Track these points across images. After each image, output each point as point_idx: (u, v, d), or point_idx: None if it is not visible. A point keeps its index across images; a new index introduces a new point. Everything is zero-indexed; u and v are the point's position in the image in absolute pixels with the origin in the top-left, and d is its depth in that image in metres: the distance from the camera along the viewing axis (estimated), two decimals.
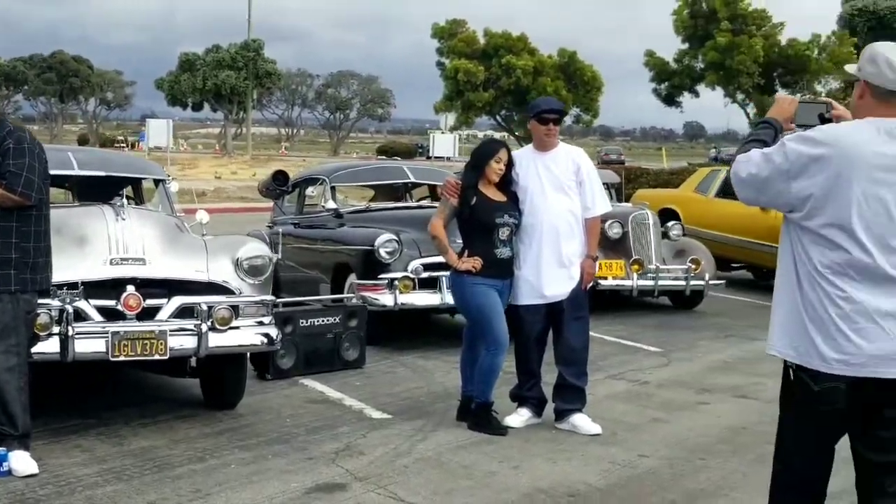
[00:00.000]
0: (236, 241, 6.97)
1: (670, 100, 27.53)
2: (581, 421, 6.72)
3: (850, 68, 3.77)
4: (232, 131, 69.28)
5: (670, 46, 27.57)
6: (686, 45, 26.09)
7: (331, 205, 10.50)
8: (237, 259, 6.65)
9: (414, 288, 9.25)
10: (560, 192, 6.69)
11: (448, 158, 50.27)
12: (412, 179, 11.11)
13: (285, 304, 8.57)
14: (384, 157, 76.16)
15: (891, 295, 3.44)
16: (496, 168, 6.63)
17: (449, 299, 9.17)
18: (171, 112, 77.86)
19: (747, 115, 25.84)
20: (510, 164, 6.70)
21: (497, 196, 6.67)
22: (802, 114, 3.83)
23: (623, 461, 6.09)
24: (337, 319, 8.46)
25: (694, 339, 10.61)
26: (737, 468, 6.05)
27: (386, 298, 9.14)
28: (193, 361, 6.82)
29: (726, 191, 15.46)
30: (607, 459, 6.11)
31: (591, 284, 6.83)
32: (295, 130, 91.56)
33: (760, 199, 3.68)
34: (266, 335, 6.63)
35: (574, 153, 6.86)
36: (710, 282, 12.23)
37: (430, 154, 51.17)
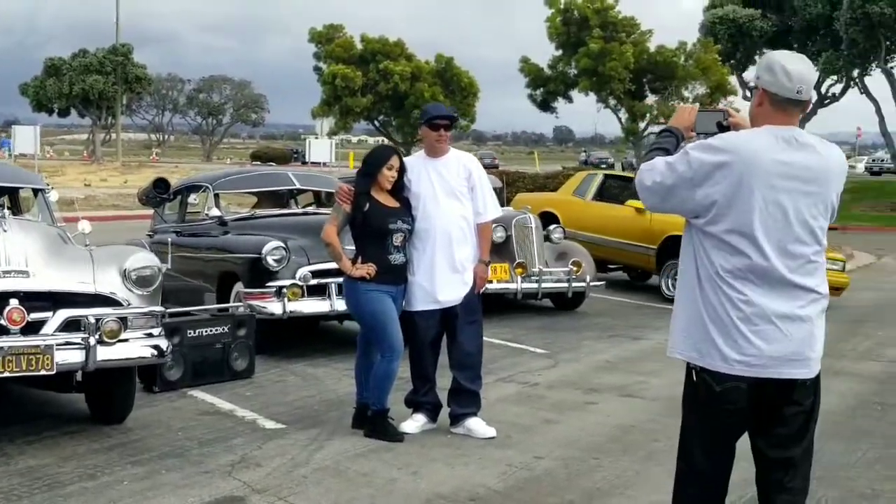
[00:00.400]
0: (123, 252, 6.81)
1: (546, 105, 27.94)
2: (476, 425, 6.77)
3: (748, 76, 3.91)
4: (101, 137, 67.55)
5: (545, 53, 28.07)
6: (560, 52, 26.58)
7: (215, 212, 10.34)
8: (125, 270, 6.50)
9: (302, 295, 9.19)
10: (452, 197, 6.74)
11: (324, 164, 49.98)
12: (297, 186, 11.04)
13: (172, 315, 8.40)
14: (259, 162, 75.29)
15: (788, 297, 3.58)
16: (388, 175, 6.65)
17: (338, 306, 9.19)
18: (35, 118, 75.52)
19: (619, 119, 26.49)
20: (402, 171, 6.72)
21: (390, 202, 6.68)
22: (701, 122, 3.96)
23: (520, 463, 6.17)
24: (225, 329, 8.34)
25: (578, 339, 10.80)
26: (629, 466, 6.19)
27: (274, 306, 9.05)
28: (79, 376, 6.63)
29: (603, 194, 15.83)
30: (504, 462, 6.18)
31: (483, 289, 6.90)
32: (166, 136, 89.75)
33: (665, 206, 3.78)
34: (156, 347, 6.50)
35: (465, 159, 6.92)
36: (592, 283, 12.49)
37: (307, 159, 50.82)
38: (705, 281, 3.66)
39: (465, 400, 6.84)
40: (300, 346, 9.77)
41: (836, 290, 13.66)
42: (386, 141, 29.12)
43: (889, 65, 38.43)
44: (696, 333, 3.71)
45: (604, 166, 67.57)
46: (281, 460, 6.13)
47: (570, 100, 27.55)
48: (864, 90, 40.39)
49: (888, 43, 37.08)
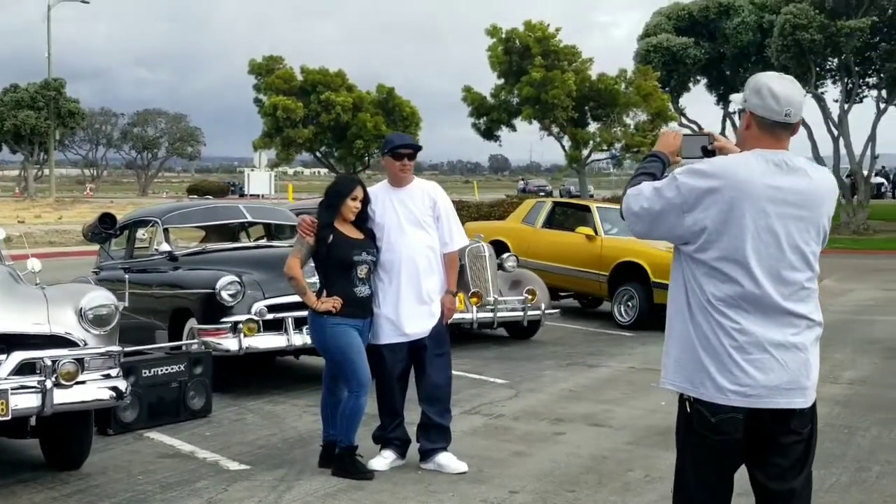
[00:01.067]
0: (78, 290, 6.57)
1: (489, 134, 27.96)
2: (447, 460, 6.62)
3: (736, 98, 3.84)
4: (33, 173, 66.37)
5: (487, 82, 28.12)
6: (502, 81, 26.60)
7: (164, 247, 10.09)
8: (81, 309, 6.26)
9: (259, 330, 8.97)
10: (417, 227, 6.61)
11: (263, 196, 49.57)
12: (249, 219, 10.82)
13: (126, 354, 8.15)
14: (196, 196, 74.43)
15: (782, 325, 3.50)
16: (352, 206, 6.50)
17: (295, 341, 9.01)
18: None
19: (563, 147, 26.57)
20: (366, 201, 6.58)
21: (354, 234, 6.54)
22: (687, 147, 3.88)
23: (496, 499, 6.02)
24: (181, 367, 8.10)
25: (537, 369, 10.70)
26: (607, 498, 6.07)
27: (230, 343, 8.83)
28: (33, 420, 6.36)
29: (552, 221, 15.81)
30: (479, 498, 6.03)
31: (450, 320, 6.76)
32: (99, 171, 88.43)
33: (653, 233, 3.69)
34: (114, 388, 6.26)
35: (429, 188, 6.80)
36: (546, 311, 12.42)
37: (246, 192, 50.37)
38: (696, 309, 3.57)
39: (435, 434, 6.68)
40: (256, 383, 9.55)
41: None
42: (327, 172, 28.82)
43: (819, 90, 39.17)
44: (688, 363, 3.61)
45: (542, 193, 68.05)
46: (249, 503, 5.91)
47: (513, 128, 27.58)
48: None
49: (818, 69, 37.80)
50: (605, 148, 25.38)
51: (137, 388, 7.71)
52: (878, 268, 25.21)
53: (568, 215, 16.22)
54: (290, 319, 9.04)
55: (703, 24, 40.98)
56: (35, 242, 29.81)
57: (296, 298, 9.18)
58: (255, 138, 29.57)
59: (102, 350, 6.28)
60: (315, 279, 6.68)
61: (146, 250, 10.84)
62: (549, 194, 67.26)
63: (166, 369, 8.01)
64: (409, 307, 6.53)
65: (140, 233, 10.96)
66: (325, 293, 6.41)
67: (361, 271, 6.45)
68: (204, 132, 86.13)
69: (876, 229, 37.04)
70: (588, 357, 11.49)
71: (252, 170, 51.47)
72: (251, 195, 49.76)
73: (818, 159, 38.80)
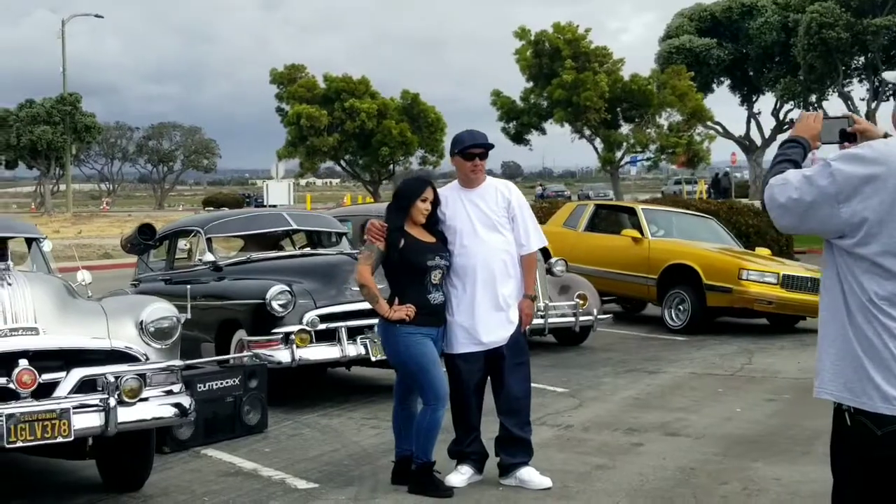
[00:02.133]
0: (138, 302, 6.21)
1: (519, 138, 27.55)
2: (529, 475, 6.22)
3: (889, 76, 3.44)
4: (49, 188, 66.29)
5: (516, 86, 27.70)
6: (531, 84, 26.16)
7: (208, 257, 9.72)
8: (141, 321, 5.90)
9: (311, 341, 8.60)
10: (492, 229, 6.22)
11: (283, 206, 49.28)
12: (293, 226, 10.45)
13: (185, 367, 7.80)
14: (212, 208, 74.21)
15: None
16: (422, 208, 6.13)
17: (349, 351, 8.64)
18: None
19: (595, 149, 26.13)
20: (436, 203, 6.21)
21: (425, 237, 6.16)
22: (826, 131, 3.51)
23: None
24: (236, 381, 7.73)
25: (595, 376, 10.30)
26: None
27: (282, 354, 8.45)
28: (91, 440, 5.99)
29: (595, 224, 15.40)
30: None
31: (529, 326, 6.37)
32: (115, 185, 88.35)
33: (803, 226, 3.29)
34: (177, 405, 5.88)
35: (502, 187, 6.40)
36: (598, 316, 12.01)
37: (265, 202, 50.08)
38: (856, 310, 3.16)
39: (516, 448, 6.28)
40: (308, 396, 9.17)
41: None
42: (339, 182, 28.32)
43: (846, 88, 38.75)
44: (848, 370, 3.20)
45: (560, 198, 67.63)
46: None
47: (543, 132, 27.13)
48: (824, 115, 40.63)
49: (844, 67, 37.37)
50: (639, 150, 24.92)
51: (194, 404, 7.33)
52: None
53: (611, 218, 15.82)
54: (342, 329, 8.67)
55: (725, 25, 40.63)
56: (58, 256, 29.55)
57: (348, 307, 8.89)
58: (278, 148, 29.31)
59: (164, 364, 5.92)
60: (384, 286, 6.30)
61: (187, 261, 10.48)
62: (568, 199, 66.94)
63: (221, 383, 7.65)
64: (485, 314, 6.15)
65: (181, 243, 10.60)
66: (396, 301, 6.03)
67: (435, 277, 6.07)
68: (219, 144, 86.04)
69: None
70: (645, 363, 11.08)
71: (272, 180, 51.08)
72: (270, 206, 49.45)
73: None
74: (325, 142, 27.17)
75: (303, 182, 70.46)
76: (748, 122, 44.54)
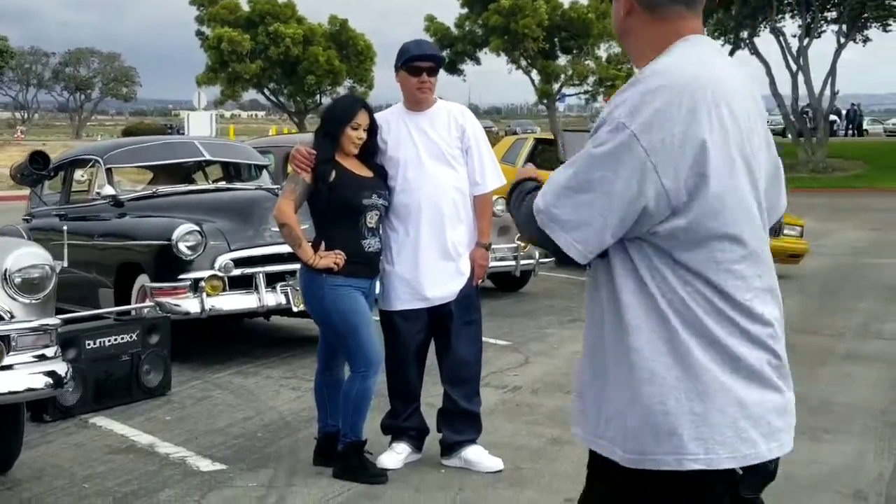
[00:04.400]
0: (1, 247, 5.09)
1: (453, 67, 26.24)
2: (477, 455, 5.27)
3: None
4: None
5: (450, 13, 26.38)
6: (467, 10, 24.84)
7: (108, 190, 8.54)
8: (5, 271, 4.80)
9: (224, 289, 7.56)
10: (441, 162, 5.19)
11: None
12: (206, 157, 9.26)
13: (64, 321, 6.70)
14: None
15: None
16: (353, 136, 5.07)
17: (268, 300, 7.65)
18: None
19: (532, 81, 24.96)
20: (373, 130, 5.16)
21: (361, 171, 5.12)
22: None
23: None
24: (133, 337, 6.66)
25: (538, 326, 9.40)
26: None
27: (190, 304, 7.40)
28: None
29: (534, 159, 14.45)
30: None
31: (482, 279, 5.39)
32: (31, 113, 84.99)
33: (606, 238, 2.08)
34: (51, 374, 4.84)
35: (457, 112, 5.34)
36: (540, 260, 11.09)
37: (186, 134, 48.15)
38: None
39: (462, 423, 5.32)
40: (219, 351, 8.14)
41: (794, 257, 12.60)
42: (265, 115, 26.69)
43: (779, 24, 38.03)
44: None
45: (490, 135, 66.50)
46: None
47: (477, 61, 25.90)
48: (755, 51, 39.98)
49: (777, 3, 36.60)
50: (576, 82, 23.87)
51: (80, 364, 6.27)
52: (849, 207, 24.23)
53: (552, 153, 14.84)
54: (260, 275, 7.66)
55: None
56: None
57: (267, 250, 7.83)
58: (198, 73, 27.71)
59: (35, 324, 4.83)
60: (309, 226, 5.26)
61: (86, 194, 9.28)
62: (496, 136, 65.92)
63: (115, 339, 6.57)
64: (431, 264, 5.14)
65: (78, 174, 9.38)
66: (323, 246, 5.00)
67: (371, 219, 5.05)
68: (139, 73, 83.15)
69: (834, 167, 36.19)
70: None
71: (195, 111, 49.01)
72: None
73: (777, 96, 37.76)
74: (248, 68, 25.66)
75: (227, 114, 68.38)
76: None
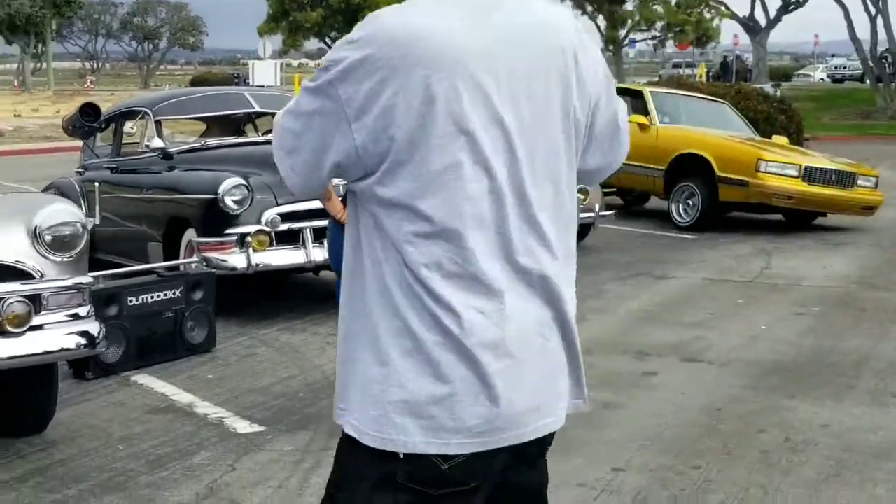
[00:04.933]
0: (31, 203, 4.98)
1: None
2: None
3: None
4: (32, 66, 64.15)
5: None
6: None
7: (157, 143, 8.42)
8: (35, 228, 4.66)
9: (271, 244, 7.40)
10: None
11: (270, 87, 47.39)
12: (256, 108, 9.07)
13: (106, 277, 6.60)
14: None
15: None
16: None
17: (315, 256, 7.48)
18: None
19: (598, 27, 24.25)
20: None
21: None
22: None
23: (596, 482, 4.47)
24: (177, 293, 6.53)
25: (596, 282, 9.10)
26: (748, 477, 4.52)
27: (237, 259, 7.26)
28: None
29: None
30: (574, 482, 4.46)
31: None
32: (100, 63, 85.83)
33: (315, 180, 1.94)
34: (84, 334, 4.69)
35: None
36: (600, 213, 10.78)
37: (251, 83, 48.18)
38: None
39: None
40: (267, 306, 8.01)
41: (868, 209, 12.12)
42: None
43: None
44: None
45: None
46: (263, 492, 4.38)
47: None
48: None
49: None
50: (644, 28, 23.16)
51: (122, 321, 6.17)
52: None
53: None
54: (308, 230, 7.49)
55: None
56: (30, 137, 28.15)
57: (314, 205, 7.63)
58: (259, 24, 27.53)
59: (67, 282, 4.70)
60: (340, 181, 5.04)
61: (136, 147, 9.17)
62: None
63: (158, 296, 6.44)
64: None
65: (128, 126, 9.27)
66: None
67: None
68: (207, 22, 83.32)
69: None
70: (652, 266, 9.90)
71: (261, 59, 48.98)
72: (256, 87, 47.61)
73: (855, 41, 36.56)
74: (308, 17, 25.42)
75: (294, 62, 68.24)
76: (753, 2, 42.63)
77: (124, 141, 9.26)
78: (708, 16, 22.55)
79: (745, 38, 46.51)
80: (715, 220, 12.01)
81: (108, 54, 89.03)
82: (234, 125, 9.52)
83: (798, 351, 6.68)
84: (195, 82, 75.87)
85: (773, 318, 7.67)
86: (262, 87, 46.63)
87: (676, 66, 64.04)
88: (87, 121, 9.23)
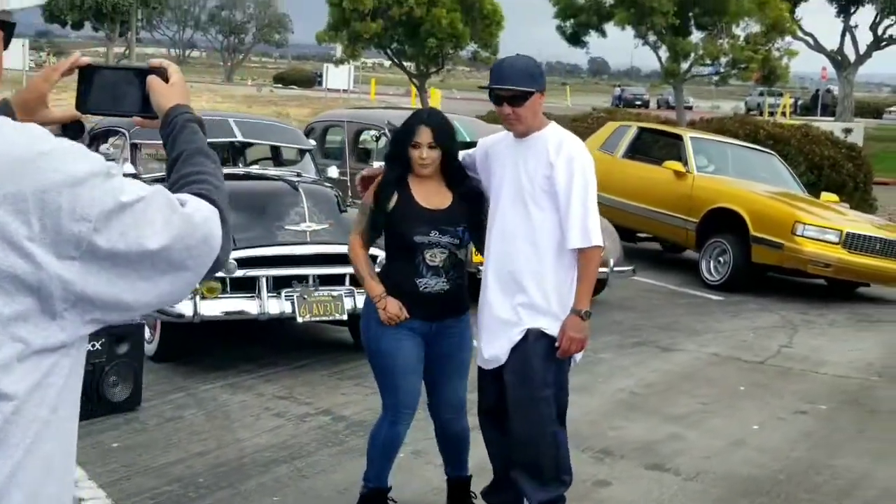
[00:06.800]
0: None
1: (576, 39, 24.78)
2: None
3: None
4: (121, 52, 64.91)
5: None
6: None
7: (127, 168, 7.90)
8: None
9: (224, 291, 6.86)
10: (517, 200, 4.28)
11: (344, 91, 47.16)
12: (239, 137, 8.52)
13: None
14: (280, 85, 72.54)
15: None
16: (416, 156, 4.30)
17: (271, 308, 6.94)
18: (51, 30, 73.07)
19: (659, 58, 23.35)
20: (449, 148, 4.37)
21: (432, 198, 4.38)
22: None
23: None
24: (97, 345, 5.99)
25: (594, 349, 8.30)
26: None
27: (183, 305, 6.71)
28: None
29: (636, 150, 13.31)
30: None
31: (570, 355, 4.39)
32: (187, 53, 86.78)
33: None
34: None
35: (555, 142, 4.28)
36: (615, 269, 10.03)
37: (325, 85, 48.00)
38: None
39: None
40: (233, 352, 7.48)
41: None
42: (413, 66, 25.65)
43: None
44: None
45: (638, 103, 64.26)
46: None
47: (603, 34, 24.38)
48: None
49: None
50: (708, 62, 22.15)
51: None
52: None
53: (656, 144, 13.67)
54: (264, 279, 6.92)
55: None
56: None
57: (276, 251, 7.12)
58: (318, 30, 27.11)
59: None
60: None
61: None
62: (646, 104, 63.76)
63: None
64: (491, 320, 4.40)
65: (104, 147, 8.80)
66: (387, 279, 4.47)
67: (434, 257, 4.32)
68: (299, 19, 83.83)
69: None
70: (661, 334, 9.14)
71: (330, 64, 48.77)
72: (329, 89, 47.35)
73: None
74: (368, 27, 24.94)
75: (369, 62, 67.36)
76: (843, 36, 41.15)
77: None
78: (777, 53, 21.54)
79: (833, 70, 45.08)
80: (747, 283, 11.19)
81: (195, 45, 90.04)
82: (220, 151, 8.98)
83: (782, 465, 5.90)
84: (278, 79, 76.50)
85: (770, 416, 6.89)
86: (338, 90, 46.47)
87: (762, 94, 62.60)
88: (69, 137, 8.75)
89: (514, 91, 4.20)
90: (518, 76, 4.24)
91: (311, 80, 73.41)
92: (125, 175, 6.02)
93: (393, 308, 4.30)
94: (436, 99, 27.48)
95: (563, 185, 4.20)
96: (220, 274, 6.73)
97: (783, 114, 46.83)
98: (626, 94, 70.46)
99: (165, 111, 1.97)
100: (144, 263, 1.54)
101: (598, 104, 44.03)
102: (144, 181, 6.25)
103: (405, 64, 28.17)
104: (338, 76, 46.48)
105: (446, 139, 4.34)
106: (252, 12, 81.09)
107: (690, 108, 51.09)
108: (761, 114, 45.95)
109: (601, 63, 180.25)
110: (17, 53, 30.20)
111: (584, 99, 62.85)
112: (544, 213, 4.25)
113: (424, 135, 4.28)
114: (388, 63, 34.54)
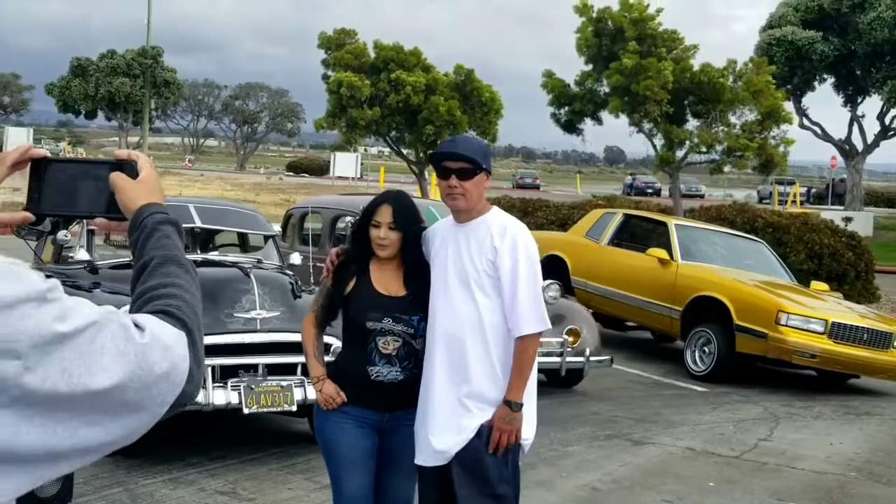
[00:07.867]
0: None
1: (570, 126, 24.76)
2: None
3: None
4: (134, 141, 65.65)
5: (574, 67, 24.90)
6: (590, 67, 23.37)
7: (82, 255, 7.80)
8: None
9: None
10: (464, 286, 4.08)
11: (352, 178, 47.43)
12: (198, 224, 8.37)
13: None
14: (292, 173, 73.08)
15: None
16: (374, 236, 4.16)
17: (217, 399, 6.74)
18: (71, 120, 73.97)
19: (654, 146, 23.30)
20: (410, 232, 4.19)
21: (390, 284, 4.20)
22: None
23: None
24: None
25: (563, 442, 8.11)
26: None
27: None
28: None
29: (622, 237, 13.14)
30: None
31: (502, 448, 4.06)
32: (202, 142, 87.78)
33: None
34: None
35: (498, 227, 4.11)
36: (592, 358, 9.78)
37: (332, 174, 48.32)
38: None
39: None
40: (176, 442, 7.20)
41: None
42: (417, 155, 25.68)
43: None
44: None
45: (650, 191, 64.24)
46: None
47: (599, 121, 24.35)
48: None
49: None
50: (703, 150, 22.06)
51: None
52: None
53: (642, 232, 13.48)
54: (211, 368, 6.70)
55: (833, 18, 37.42)
56: None
57: (223, 340, 6.91)
58: (317, 118, 27.28)
59: None
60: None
61: (74, 256, 8.54)
62: (658, 192, 63.73)
63: None
64: (440, 411, 4.11)
65: (62, 234, 8.64)
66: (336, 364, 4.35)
67: (387, 344, 4.12)
68: (311, 108, 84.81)
69: None
70: (636, 427, 8.83)
71: (338, 152, 49.09)
72: (337, 177, 47.62)
73: None
74: (364, 115, 25.01)
75: (375, 150, 67.60)
76: (850, 125, 41.19)
77: (64, 249, 8.64)
78: (773, 141, 21.45)
79: (842, 160, 45.08)
80: (732, 372, 10.89)
81: (213, 134, 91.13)
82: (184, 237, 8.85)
83: None
84: (291, 167, 77.10)
85: None
86: (346, 178, 46.72)
87: (772, 182, 62.70)
88: (32, 224, 8.62)
89: (463, 164, 4.02)
90: (471, 151, 4.10)
91: (323, 169, 74.02)
92: (80, 261, 5.82)
93: (329, 390, 4.13)
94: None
95: (507, 271, 4.01)
96: None
97: (793, 202, 46.80)
98: (638, 182, 70.49)
99: (134, 212, 1.71)
100: (91, 406, 1.28)
101: (610, 192, 44.07)
102: (98, 268, 6.08)
103: (404, 151, 28.17)
104: (345, 164, 46.86)
105: (407, 222, 4.16)
106: (265, 102, 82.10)
107: (702, 196, 50.94)
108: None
109: (617, 152, 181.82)
110: (22, 141, 30.45)
111: (595, 188, 62.92)
112: (489, 299, 4.05)
113: (385, 215, 4.13)
114: (388, 150, 34.67)
